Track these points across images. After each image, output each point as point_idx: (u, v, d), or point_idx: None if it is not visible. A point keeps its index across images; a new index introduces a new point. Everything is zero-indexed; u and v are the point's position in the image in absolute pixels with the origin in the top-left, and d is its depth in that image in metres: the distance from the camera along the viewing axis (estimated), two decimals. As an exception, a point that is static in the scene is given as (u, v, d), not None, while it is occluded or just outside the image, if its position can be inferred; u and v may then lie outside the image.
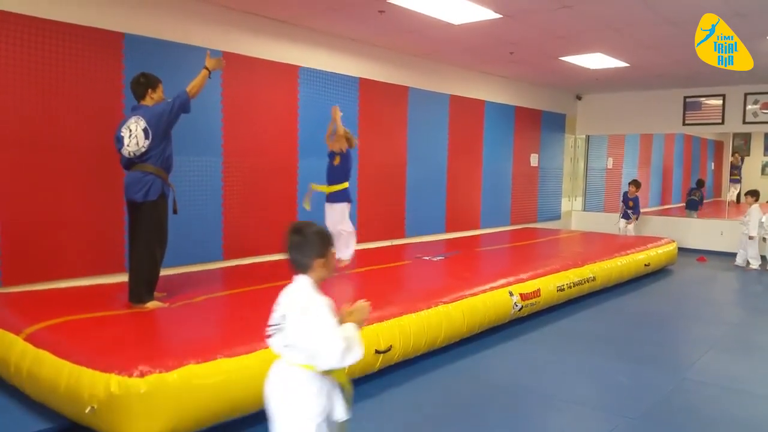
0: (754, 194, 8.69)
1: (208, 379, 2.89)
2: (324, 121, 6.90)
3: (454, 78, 8.86)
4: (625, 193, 10.00)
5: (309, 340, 1.93)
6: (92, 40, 4.90)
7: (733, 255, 9.44)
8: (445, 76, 8.69)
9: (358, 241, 7.35)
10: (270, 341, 2.05)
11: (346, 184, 5.54)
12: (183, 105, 4.00)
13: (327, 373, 2.03)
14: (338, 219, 5.49)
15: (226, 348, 3.09)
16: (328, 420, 2.04)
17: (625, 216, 9.94)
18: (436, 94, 8.51)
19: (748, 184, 12.82)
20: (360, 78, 7.32)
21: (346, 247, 5.63)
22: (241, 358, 3.05)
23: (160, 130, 3.93)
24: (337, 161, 5.51)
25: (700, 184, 12.54)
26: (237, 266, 5.81)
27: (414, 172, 8.21)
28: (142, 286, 3.96)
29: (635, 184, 9.81)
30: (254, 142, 6.17)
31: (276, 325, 2.02)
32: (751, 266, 8.68)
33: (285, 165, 6.52)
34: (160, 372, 2.76)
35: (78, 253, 4.89)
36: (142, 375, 2.72)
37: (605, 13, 5.87)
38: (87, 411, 2.73)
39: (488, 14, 5.89)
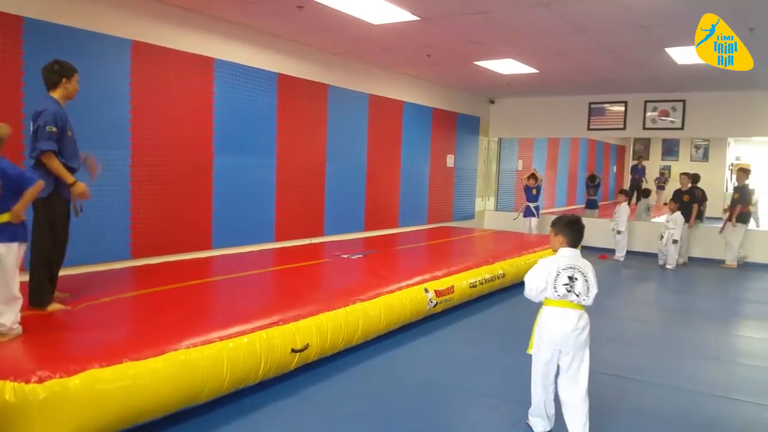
0: (626, 193, 10.51)
1: (113, 384, 2.75)
2: (242, 116, 6.78)
3: (374, 78, 8.92)
4: (527, 187, 10.71)
5: (595, 287, 3.02)
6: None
7: (632, 253, 10.16)
8: (365, 76, 8.74)
9: (277, 239, 7.30)
10: (569, 296, 3.00)
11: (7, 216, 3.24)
12: (41, 149, 3.53)
13: None
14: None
15: (132, 351, 2.95)
16: None
17: (528, 213, 10.68)
18: (356, 93, 8.55)
19: (648, 186, 13.81)
20: (279, 74, 7.22)
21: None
22: (149, 361, 2.94)
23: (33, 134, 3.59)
24: None
25: (594, 179, 13.33)
26: (146, 265, 5.56)
27: (334, 171, 8.20)
28: (38, 286, 3.70)
29: (534, 177, 10.68)
30: (166, 136, 5.93)
31: (567, 283, 2.99)
32: (616, 257, 9.90)
33: (199, 160, 6.31)
34: (61, 377, 2.60)
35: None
36: (40, 380, 2.55)
37: (517, 20, 6.12)
38: (-25, 422, 2.53)
39: (406, 16, 5.98)
